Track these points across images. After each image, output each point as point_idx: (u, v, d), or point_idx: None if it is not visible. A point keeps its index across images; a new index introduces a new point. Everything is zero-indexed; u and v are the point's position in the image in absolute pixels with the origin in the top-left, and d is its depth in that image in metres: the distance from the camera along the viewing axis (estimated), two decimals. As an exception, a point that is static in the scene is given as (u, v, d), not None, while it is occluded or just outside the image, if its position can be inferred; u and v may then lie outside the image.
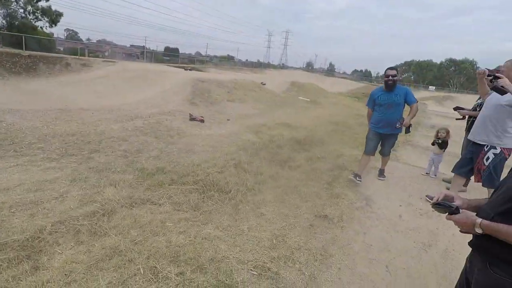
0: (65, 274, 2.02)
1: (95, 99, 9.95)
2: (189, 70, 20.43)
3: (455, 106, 4.54)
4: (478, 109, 4.14)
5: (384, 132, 4.19)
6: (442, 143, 4.86)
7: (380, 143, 4.37)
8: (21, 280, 1.93)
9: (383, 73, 4.19)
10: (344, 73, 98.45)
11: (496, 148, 3.03)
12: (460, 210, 1.30)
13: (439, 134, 4.91)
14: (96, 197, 3.14)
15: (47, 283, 1.93)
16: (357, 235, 2.98)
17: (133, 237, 2.52)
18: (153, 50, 49.96)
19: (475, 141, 3.25)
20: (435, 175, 4.98)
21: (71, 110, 7.50)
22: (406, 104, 4.11)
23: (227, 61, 50.32)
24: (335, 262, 2.54)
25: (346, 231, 3.01)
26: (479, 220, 1.22)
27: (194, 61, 37.85)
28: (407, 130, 4.11)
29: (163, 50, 68.54)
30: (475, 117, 4.17)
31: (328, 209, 3.38)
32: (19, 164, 3.78)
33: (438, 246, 2.92)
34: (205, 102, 10.55)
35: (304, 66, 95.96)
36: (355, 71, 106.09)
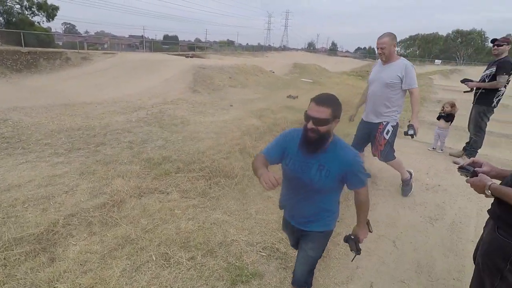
0: (81, 264, 2.09)
1: (98, 92, 9.97)
2: (191, 57, 20.22)
3: (462, 79, 4.44)
4: (487, 80, 4.05)
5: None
6: (447, 117, 4.78)
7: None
8: (39, 272, 2.01)
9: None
10: (347, 51, 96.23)
11: (393, 122, 3.14)
12: (478, 175, 1.41)
13: (444, 108, 4.83)
14: (105, 189, 3.21)
15: (64, 273, 2.01)
16: (363, 212, 3.00)
17: (144, 226, 2.59)
18: (152, 39, 49.42)
19: (370, 121, 3.26)
20: (442, 150, 4.93)
21: (75, 105, 7.54)
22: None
23: (228, 46, 49.59)
24: (342, 239, 2.57)
25: (352, 209, 3.02)
26: (489, 183, 1.32)
27: (194, 48, 37.36)
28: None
29: (162, 38, 67.85)
30: (484, 89, 4.10)
31: (334, 189, 3.40)
32: (28, 160, 3.85)
33: (444, 219, 2.93)
34: (207, 89, 10.49)
35: (306, 46, 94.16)
36: (358, 48, 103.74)
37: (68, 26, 64.39)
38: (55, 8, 28.36)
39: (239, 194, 3.29)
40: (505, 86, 3.96)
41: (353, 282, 2.13)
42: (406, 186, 3.39)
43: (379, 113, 3.13)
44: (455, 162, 4.26)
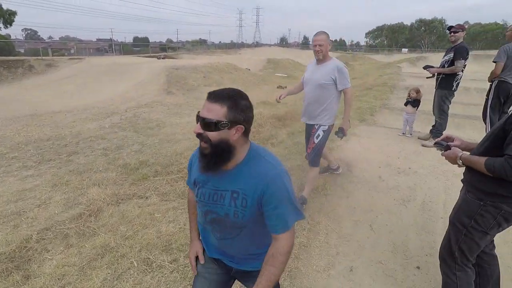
0: (58, 279, 2.03)
1: (66, 99, 9.57)
2: (162, 58, 19.81)
3: (424, 65, 4.66)
4: (446, 66, 4.27)
5: None
6: (414, 102, 5.01)
7: None
8: (13, 290, 1.94)
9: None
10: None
11: (325, 125, 2.92)
12: (452, 148, 1.58)
13: (410, 94, 5.05)
14: (81, 199, 3.13)
15: (41, 289, 1.94)
16: (340, 200, 3.10)
17: (123, 233, 2.54)
18: (121, 42, 47.90)
19: (306, 122, 3.06)
20: (411, 134, 5.16)
21: (42, 114, 7.20)
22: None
23: (200, 45, 49.01)
24: (322, 228, 2.66)
25: (330, 198, 3.13)
26: (460, 153, 1.51)
27: (166, 49, 36.61)
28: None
29: (132, 40, 65.96)
30: (444, 74, 4.32)
31: (311, 180, 3.48)
32: (-6, 176, 3.66)
33: (416, 200, 3.09)
34: (182, 90, 10.35)
35: (278, 42, 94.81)
36: (330, 41, 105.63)
37: (29, 32, 61.12)
38: (12, 13, 26.81)
39: (219, 192, 3.29)
40: (462, 70, 4.20)
41: (334, 268, 2.21)
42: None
43: (312, 115, 2.93)
44: (423, 145, 4.50)
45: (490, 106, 4.09)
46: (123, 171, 3.89)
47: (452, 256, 1.61)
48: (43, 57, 15.86)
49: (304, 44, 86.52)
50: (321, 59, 2.86)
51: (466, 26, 4.23)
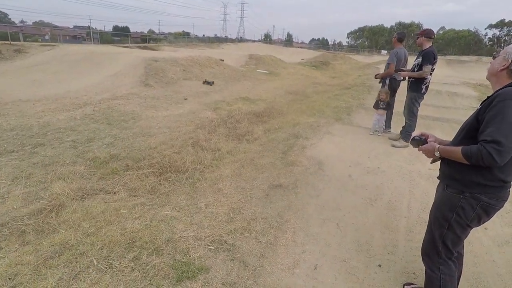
0: (9, 278, 1.92)
1: (36, 88, 9.07)
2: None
3: (397, 68, 4.80)
4: (416, 69, 4.40)
5: None
6: (385, 104, 5.12)
7: None
8: (-42, 291, 1.82)
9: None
10: (302, 42, 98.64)
11: None
12: (428, 142, 1.67)
13: (380, 97, 5.13)
14: (42, 194, 3.00)
15: (-12, 289, 1.83)
16: (310, 198, 3.13)
17: (85, 230, 2.45)
18: (100, 30, 46.06)
19: None
20: (382, 134, 5.30)
21: (8, 103, 6.80)
22: None
23: (183, 37, 47.97)
24: (290, 226, 2.67)
25: (300, 196, 3.15)
26: (437, 146, 1.60)
27: (147, 40, 35.59)
28: None
29: (111, 29, 63.64)
30: (414, 77, 4.48)
31: (282, 177, 3.49)
32: None
33: (382, 199, 3.17)
34: (160, 83, 10.08)
35: (262, 38, 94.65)
36: (313, 39, 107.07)
37: (-2, 14, 57.39)
38: (-20, -6, 25.04)
39: (190, 188, 3.25)
40: (430, 74, 4.34)
41: (298, 267, 2.22)
42: None
43: None
44: (393, 145, 4.64)
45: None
46: (92, 164, 3.76)
47: (436, 251, 1.68)
48: (12, 42, 14.97)
49: (288, 41, 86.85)
50: None
51: (428, 31, 4.39)
